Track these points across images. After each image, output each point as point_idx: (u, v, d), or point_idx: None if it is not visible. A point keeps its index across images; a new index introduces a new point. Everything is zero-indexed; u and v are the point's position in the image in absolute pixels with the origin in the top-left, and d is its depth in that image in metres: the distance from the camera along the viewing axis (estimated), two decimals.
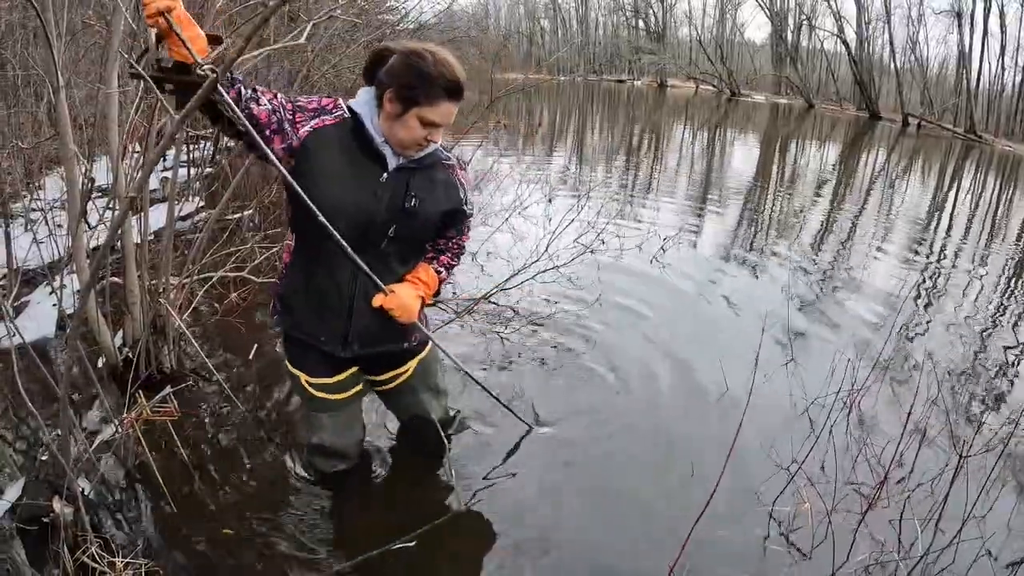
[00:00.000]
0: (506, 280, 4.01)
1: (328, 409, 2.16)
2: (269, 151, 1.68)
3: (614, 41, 42.08)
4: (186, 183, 5.59)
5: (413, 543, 1.92)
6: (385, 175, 1.86)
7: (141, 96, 2.71)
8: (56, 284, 3.63)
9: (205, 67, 1.43)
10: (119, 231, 1.46)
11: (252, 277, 3.65)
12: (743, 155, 13.29)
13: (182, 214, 5.07)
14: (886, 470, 2.48)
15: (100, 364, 2.88)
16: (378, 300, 1.95)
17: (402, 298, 1.96)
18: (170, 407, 2.19)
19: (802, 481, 2.45)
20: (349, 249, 1.79)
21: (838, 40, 29.33)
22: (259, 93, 1.73)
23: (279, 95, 1.79)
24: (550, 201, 6.66)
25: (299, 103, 1.83)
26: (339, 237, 1.76)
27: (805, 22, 32.05)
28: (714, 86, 35.33)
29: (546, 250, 4.21)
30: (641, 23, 41.09)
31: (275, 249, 3.88)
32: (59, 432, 1.82)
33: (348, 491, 2.35)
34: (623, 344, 3.58)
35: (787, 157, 13.45)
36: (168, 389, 2.15)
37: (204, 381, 2.95)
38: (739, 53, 36.51)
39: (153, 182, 5.59)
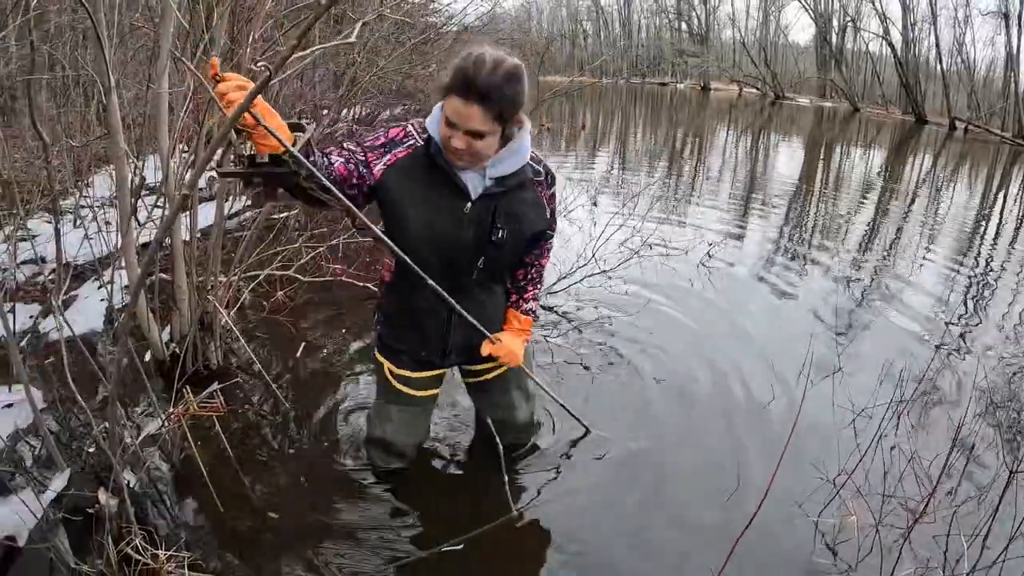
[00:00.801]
0: (552, 284, 4.01)
1: (401, 403, 2.16)
2: (353, 205, 1.67)
3: (657, 44, 41.69)
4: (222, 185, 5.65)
5: (460, 546, 1.92)
6: (468, 205, 1.81)
7: (190, 97, 2.74)
8: (104, 280, 3.73)
9: (297, 143, 1.48)
10: (170, 228, 1.47)
11: (299, 276, 3.68)
12: (787, 159, 13.04)
13: (228, 213, 5.14)
14: (933, 484, 2.39)
15: (147, 359, 2.93)
16: (486, 349, 2.03)
17: (508, 347, 2.04)
18: (216, 403, 2.21)
19: (847, 493, 2.39)
20: (447, 296, 1.84)
21: (883, 42, 28.71)
22: (333, 152, 1.76)
23: (345, 143, 1.81)
24: (595, 204, 6.63)
25: (367, 143, 1.82)
26: (434, 284, 1.80)
27: (850, 24, 31.41)
28: (758, 89, 34.80)
29: (593, 255, 4.21)
30: (684, 25, 40.65)
31: (321, 249, 3.93)
32: (107, 425, 1.85)
33: (397, 491, 2.35)
34: (669, 350, 3.53)
35: (832, 162, 13.18)
36: (216, 385, 2.17)
37: (250, 378, 2.98)
38: (783, 56, 35.85)
39: (200, 181, 5.66)
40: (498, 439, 2.35)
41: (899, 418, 2.94)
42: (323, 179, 1.56)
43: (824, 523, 2.29)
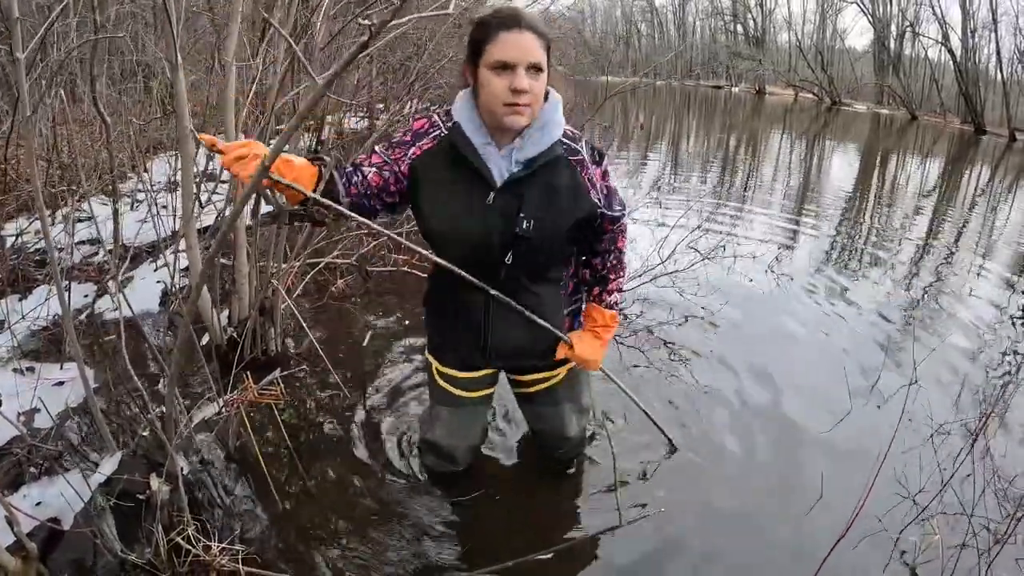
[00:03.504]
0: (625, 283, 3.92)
1: (450, 403, 2.03)
2: (374, 217, 1.73)
3: (712, 46, 41.21)
4: None
5: (550, 555, 1.82)
6: (492, 195, 1.66)
7: (257, 79, 2.71)
8: (160, 262, 3.73)
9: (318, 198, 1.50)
10: (239, 214, 1.43)
11: (357, 265, 3.63)
12: (851, 166, 12.75)
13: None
14: (1016, 505, 2.28)
15: (204, 342, 2.89)
16: (562, 352, 1.90)
17: (585, 352, 1.90)
18: (276, 390, 2.14)
19: (928, 511, 2.26)
20: (492, 290, 1.72)
21: (942, 48, 27.90)
22: (360, 163, 1.71)
23: (376, 147, 1.73)
24: (660, 205, 6.56)
25: (394, 141, 1.74)
26: (477, 282, 1.69)
27: (908, 29, 30.60)
28: (814, 94, 34.13)
29: (668, 257, 4.17)
30: (739, 27, 40.10)
31: (382, 239, 3.87)
32: (163, 409, 1.80)
33: (465, 495, 2.25)
34: (740, 356, 3.39)
35: (896, 170, 12.82)
36: (277, 372, 2.10)
37: (310, 366, 2.92)
38: (840, 60, 35.08)
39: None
40: (542, 450, 2.30)
41: (977, 435, 2.77)
42: (345, 211, 1.54)
43: (906, 541, 2.17)
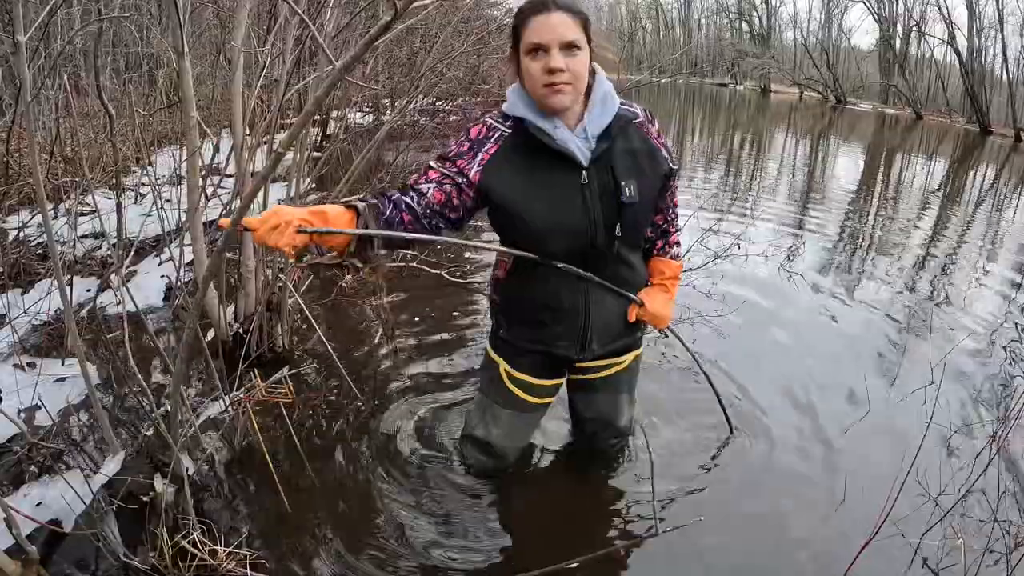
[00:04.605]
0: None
1: (516, 407, 2.00)
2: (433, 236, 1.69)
3: (717, 44, 41.12)
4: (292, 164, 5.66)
5: (575, 564, 1.74)
6: (584, 173, 1.65)
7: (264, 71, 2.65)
8: (164, 256, 3.67)
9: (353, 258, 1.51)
10: (247, 208, 1.37)
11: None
12: (856, 165, 12.70)
13: (303, 191, 5.11)
14: None
15: (209, 338, 2.83)
16: (634, 313, 1.89)
17: (657, 307, 1.90)
18: (284, 389, 2.09)
19: (950, 516, 2.20)
20: (583, 272, 1.72)
21: (948, 48, 27.80)
22: (418, 186, 1.65)
23: (431, 163, 1.68)
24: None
25: (451, 153, 1.69)
26: (574, 268, 1.71)
27: (914, 28, 30.50)
28: (819, 92, 34.06)
29: (682, 256, 4.06)
30: (745, 26, 40.04)
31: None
32: (167, 407, 1.74)
33: (476, 496, 2.20)
34: (756, 356, 3.35)
35: (904, 169, 12.77)
36: (286, 370, 2.04)
37: (318, 364, 2.87)
38: (845, 59, 34.98)
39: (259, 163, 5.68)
40: (590, 441, 2.27)
41: (1002, 439, 2.71)
42: (381, 259, 1.57)
43: (927, 545, 2.11)
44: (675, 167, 1.83)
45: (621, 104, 1.72)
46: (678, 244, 2.00)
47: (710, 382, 2.39)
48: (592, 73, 1.67)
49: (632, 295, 1.87)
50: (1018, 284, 5.17)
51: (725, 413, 2.55)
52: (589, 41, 1.60)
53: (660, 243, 1.96)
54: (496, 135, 1.68)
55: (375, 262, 1.55)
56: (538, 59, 1.56)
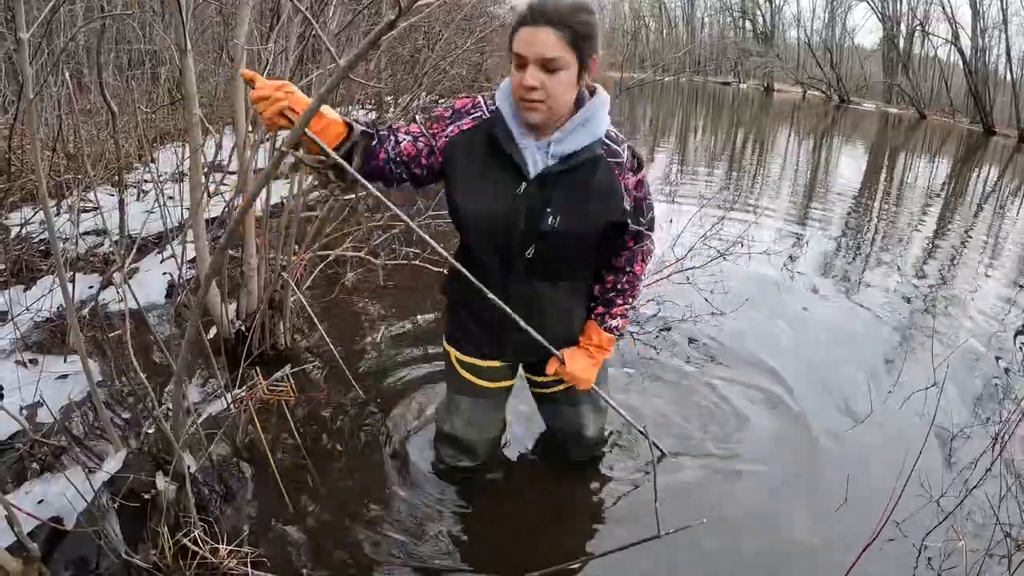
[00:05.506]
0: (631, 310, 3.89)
1: (470, 393, 1.99)
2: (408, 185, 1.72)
3: (720, 42, 41.02)
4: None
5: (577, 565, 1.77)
6: (523, 185, 1.63)
7: (268, 68, 2.64)
8: (167, 253, 3.67)
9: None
10: (250, 205, 1.38)
11: (371, 258, 3.58)
12: (859, 165, 12.67)
13: (305, 188, 5.11)
14: None
15: (211, 336, 2.83)
16: (552, 368, 1.87)
17: (576, 370, 1.85)
18: (286, 387, 2.09)
19: (951, 518, 2.21)
20: (492, 296, 1.64)
21: (952, 48, 27.71)
22: (398, 130, 1.67)
23: (416, 116, 1.72)
24: (672, 201, 6.55)
25: (435, 115, 1.71)
26: (488, 292, 1.63)
27: (918, 28, 30.41)
28: (822, 92, 33.98)
29: (685, 255, 4.15)
30: (748, 24, 39.94)
31: (395, 231, 3.83)
32: (169, 405, 1.73)
33: (477, 496, 2.19)
34: (759, 355, 3.34)
35: (907, 169, 12.74)
36: (288, 368, 2.04)
37: (320, 362, 2.87)
38: (849, 58, 34.90)
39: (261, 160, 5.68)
40: (563, 451, 2.28)
41: (1005, 441, 2.70)
42: (359, 178, 1.49)
43: (929, 547, 2.11)
44: (638, 227, 1.75)
45: (611, 139, 1.67)
46: (622, 317, 1.88)
47: (628, 420, 2.19)
48: (592, 91, 1.64)
49: (554, 350, 1.81)
50: (1022, 285, 5.16)
51: (653, 443, 2.34)
52: (586, 56, 1.54)
53: (601, 308, 1.87)
54: (477, 114, 1.69)
55: (348, 184, 1.54)
56: (519, 71, 1.53)
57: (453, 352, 1.98)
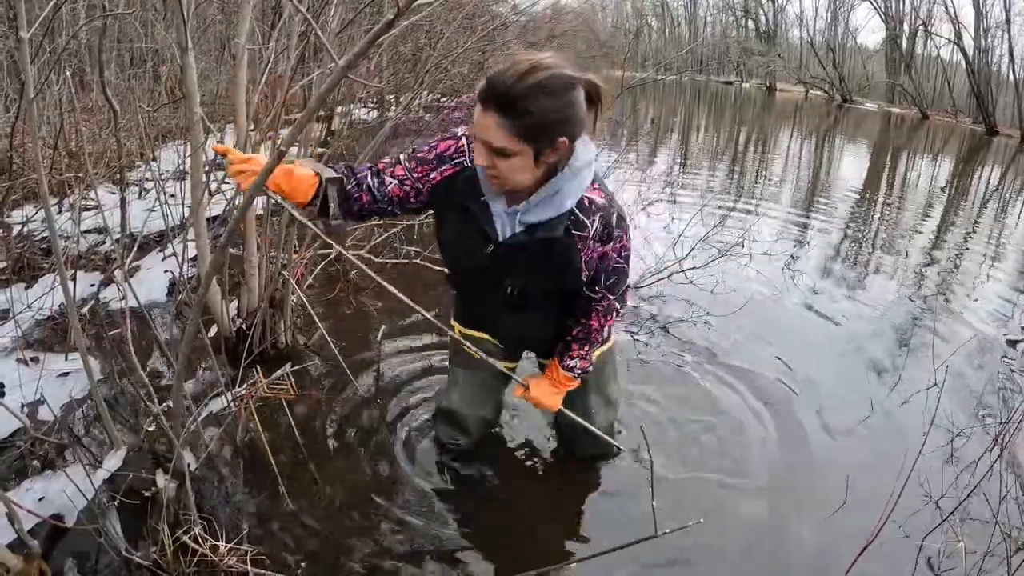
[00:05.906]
0: (640, 278, 3.97)
1: (468, 366, 2.07)
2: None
3: (723, 41, 40.93)
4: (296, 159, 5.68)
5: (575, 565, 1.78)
6: (491, 248, 1.67)
7: (268, 67, 2.65)
8: (168, 251, 3.67)
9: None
10: (251, 203, 1.39)
11: (372, 256, 3.57)
12: (861, 164, 12.67)
13: None
14: None
15: (212, 334, 2.84)
16: (518, 393, 1.95)
17: (540, 396, 1.93)
18: (287, 385, 2.09)
19: (951, 518, 2.20)
20: (470, 347, 1.84)
21: (955, 48, 27.64)
22: (384, 174, 1.68)
23: (401, 157, 1.70)
24: (674, 201, 6.51)
25: (419, 155, 1.69)
26: (484, 356, 1.83)
27: (921, 27, 30.34)
28: (825, 91, 33.91)
29: (685, 256, 4.16)
30: (751, 23, 39.86)
31: (396, 230, 3.84)
32: (170, 403, 1.74)
33: (476, 495, 2.21)
34: (759, 356, 3.34)
35: (909, 169, 12.72)
36: (288, 366, 2.04)
37: (320, 360, 2.87)
38: (851, 58, 34.81)
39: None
40: (571, 446, 2.33)
41: (1005, 442, 2.70)
42: (331, 227, 1.62)
43: (928, 547, 2.11)
44: (591, 294, 1.76)
45: (583, 208, 1.61)
46: (582, 359, 1.90)
47: (586, 426, 2.13)
48: (564, 161, 1.55)
49: (518, 379, 1.92)
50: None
51: (613, 443, 2.22)
52: (543, 145, 1.45)
53: (560, 348, 1.91)
54: (460, 159, 1.66)
55: (333, 227, 1.62)
56: (476, 141, 1.50)
57: (457, 326, 2.06)
